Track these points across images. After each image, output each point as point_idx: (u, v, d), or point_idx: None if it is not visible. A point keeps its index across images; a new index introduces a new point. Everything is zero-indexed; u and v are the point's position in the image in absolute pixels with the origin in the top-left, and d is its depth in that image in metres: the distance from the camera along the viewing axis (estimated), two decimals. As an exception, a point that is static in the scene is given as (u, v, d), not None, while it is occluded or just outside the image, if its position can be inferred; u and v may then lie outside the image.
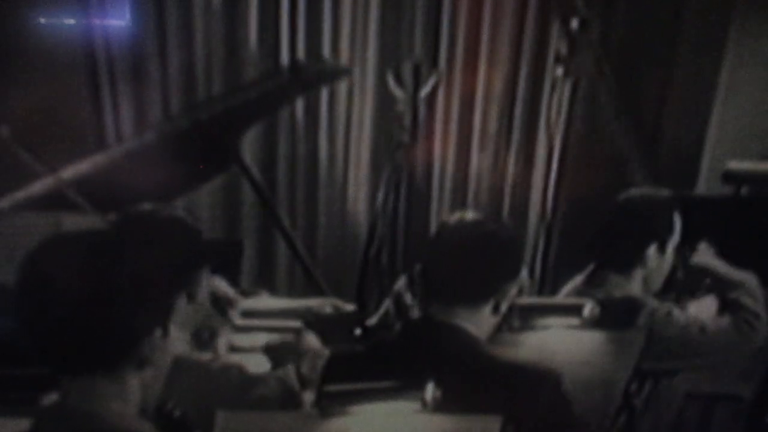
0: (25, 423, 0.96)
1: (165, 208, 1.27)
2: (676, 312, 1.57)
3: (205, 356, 1.27)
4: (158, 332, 0.92)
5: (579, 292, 1.65)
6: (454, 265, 1.32)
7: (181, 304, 1.23)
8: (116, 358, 0.90)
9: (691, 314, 1.58)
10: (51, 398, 1.04)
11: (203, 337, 1.28)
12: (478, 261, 1.31)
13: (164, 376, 0.96)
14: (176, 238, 1.21)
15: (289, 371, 1.25)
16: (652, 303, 1.58)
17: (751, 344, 1.54)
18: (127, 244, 0.91)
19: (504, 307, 1.35)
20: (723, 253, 1.75)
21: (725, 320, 1.56)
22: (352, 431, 1.05)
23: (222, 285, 1.38)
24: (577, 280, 1.69)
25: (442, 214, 3.15)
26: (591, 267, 1.67)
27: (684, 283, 1.65)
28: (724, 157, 2.68)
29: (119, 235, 0.96)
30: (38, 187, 1.98)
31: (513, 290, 1.35)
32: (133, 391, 0.92)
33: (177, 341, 1.14)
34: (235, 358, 1.35)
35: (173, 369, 0.97)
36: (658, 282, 1.66)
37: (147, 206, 1.26)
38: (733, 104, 3.07)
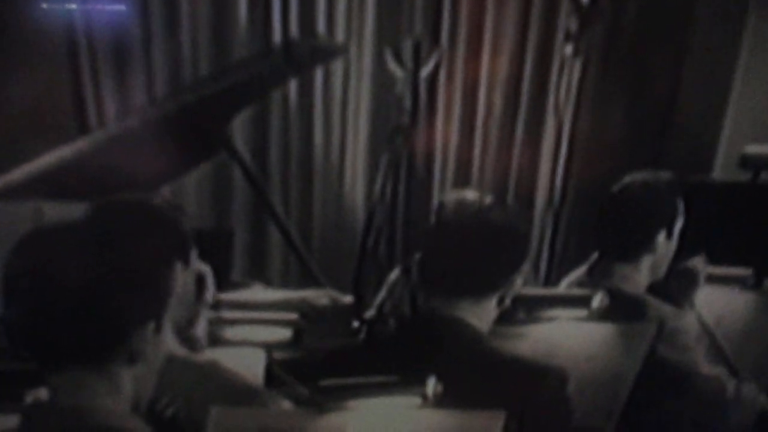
0: (10, 420, 0.99)
1: (140, 197, 1.30)
2: (688, 323, 1.58)
3: (204, 358, 1.29)
4: (150, 326, 0.93)
5: (582, 283, 1.67)
6: (458, 256, 1.33)
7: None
8: (106, 352, 0.92)
9: (694, 342, 1.60)
10: (36, 394, 1.06)
11: (180, 324, 1.30)
12: (484, 252, 1.32)
13: (157, 372, 0.98)
14: (151, 228, 1.23)
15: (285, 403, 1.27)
16: (662, 306, 1.60)
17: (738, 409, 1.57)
18: (110, 234, 0.94)
19: (508, 300, 1.37)
20: (740, 242, 1.77)
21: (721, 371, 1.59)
22: (350, 427, 1.07)
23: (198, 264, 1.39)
24: (580, 271, 1.71)
25: (443, 201, 3.15)
26: (594, 257, 1.69)
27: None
28: (742, 141, 2.69)
29: (98, 226, 0.98)
30: (17, 175, 2.00)
31: (520, 281, 1.37)
32: (124, 387, 0.93)
33: (168, 337, 1.17)
34: (225, 353, 1.37)
35: (167, 366, 0.99)
36: (663, 269, 1.68)
37: (121, 195, 1.28)
38: (753, 84, 3.07)
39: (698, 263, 1.69)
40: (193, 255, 1.31)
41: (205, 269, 1.37)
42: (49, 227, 0.95)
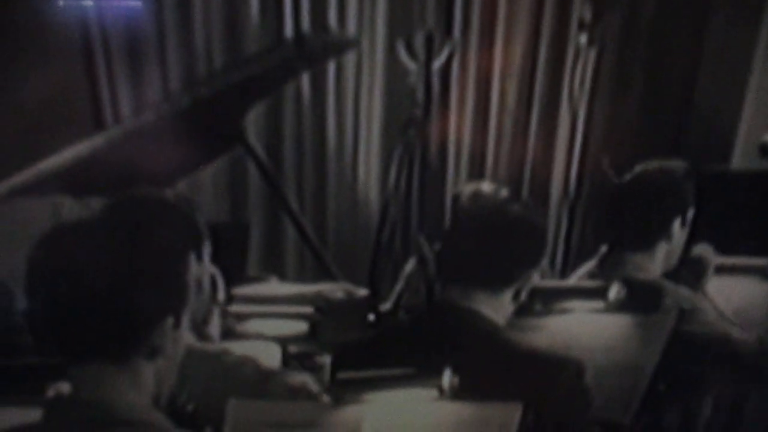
0: (32, 413, 1.00)
1: (155, 192, 1.31)
2: (705, 305, 1.58)
3: (216, 347, 1.30)
4: (170, 321, 0.94)
5: (593, 275, 1.66)
6: (476, 248, 1.34)
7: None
8: (126, 347, 0.93)
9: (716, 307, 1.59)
10: (57, 388, 1.08)
11: (196, 322, 1.32)
12: (501, 245, 1.33)
13: (177, 367, 0.98)
14: (168, 222, 1.25)
15: (306, 377, 1.28)
16: (678, 289, 1.59)
17: None
18: (128, 230, 0.94)
19: (524, 294, 1.37)
20: (759, 232, 1.76)
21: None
22: (366, 419, 1.08)
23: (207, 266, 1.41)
24: (590, 264, 1.71)
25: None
26: (604, 249, 1.68)
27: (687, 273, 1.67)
28: (760, 130, 2.66)
29: (117, 222, 0.99)
30: (35, 172, 2.02)
31: (535, 276, 1.37)
32: (145, 382, 0.95)
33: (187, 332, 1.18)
34: (241, 346, 1.38)
35: (184, 359, 1.00)
36: (676, 257, 1.68)
37: (136, 191, 1.30)
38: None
39: (707, 251, 1.68)
40: (206, 249, 1.32)
41: (215, 270, 1.38)
42: (69, 224, 0.96)
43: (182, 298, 0.96)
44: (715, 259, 1.68)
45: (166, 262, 0.95)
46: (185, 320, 0.97)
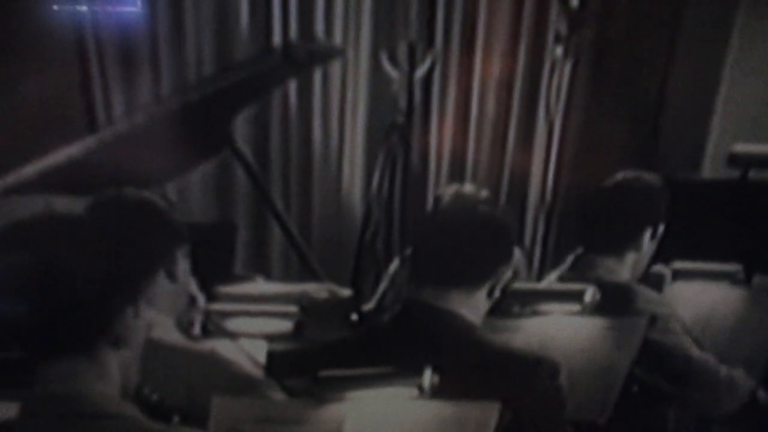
0: (8, 408, 0.97)
1: (134, 192, 1.31)
2: (674, 322, 1.57)
3: (202, 345, 1.28)
4: (130, 312, 0.94)
5: (565, 278, 1.65)
6: (447, 248, 1.33)
7: (164, 285, 1.26)
8: (91, 338, 0.92)
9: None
10: (31, 384, 1.04)
11: (183, 325, 1.30)
12: (471, 244, 1.32)
13: (140, 358, 0.98)
14: (145, 220, 1.25)
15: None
16: (647, 291, 1.59)
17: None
18: (96, 227, 0.94)
19: (498, 291, 1.35)
20: (730, 239, 1.76)
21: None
22: (348, 417, 1.06)
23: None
24: (562, 268, 1.69)
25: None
26: (575, 253, 1.67)
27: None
28: (730, 140, 2.66)
29: (88, 219, 0.98)
30: (29, 171, 1.98)
31: (508, 273, 1.36)
32: (113, 372, 0.94)
33: (161, 326, 1.16)
34: (226, 344, 1.36)
35: (148, 351, 0.99)
36: (643, 267, 1.67)
37: (115, 190, 1.29)
38: (741, 82, 3.04)
39: (663, 268, 1.68)
40: (185, 250, 1.30)
41: (191, 281, 1.36)
42: (34, 220, 0.95)
43: (139, 290, 0.96)
44: (685, 265, 1.68)
45: (132, 258, 0.94)
46: (143, 310, 0.97)
